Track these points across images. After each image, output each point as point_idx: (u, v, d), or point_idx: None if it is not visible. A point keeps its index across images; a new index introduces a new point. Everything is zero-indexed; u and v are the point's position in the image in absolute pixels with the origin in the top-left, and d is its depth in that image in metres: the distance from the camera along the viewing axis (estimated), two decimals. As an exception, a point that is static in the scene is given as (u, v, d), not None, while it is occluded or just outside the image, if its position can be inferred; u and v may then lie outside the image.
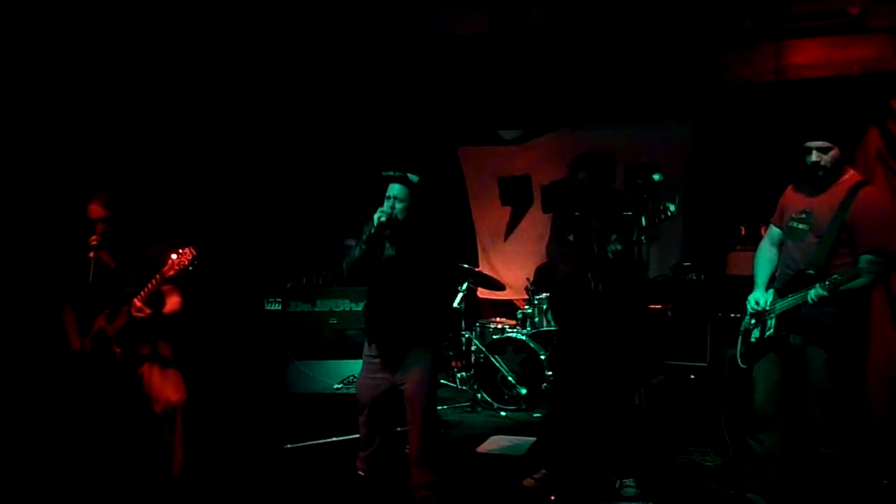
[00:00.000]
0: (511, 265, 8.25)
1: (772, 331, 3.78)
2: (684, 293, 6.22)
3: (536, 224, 8.16)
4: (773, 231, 4.03)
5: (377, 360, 4.21)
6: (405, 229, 4.13)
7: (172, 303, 4.37)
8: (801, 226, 3.77)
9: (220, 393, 6.37)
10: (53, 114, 5.33)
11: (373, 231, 4.02)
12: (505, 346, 6.77)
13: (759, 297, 3.87)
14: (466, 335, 7.08)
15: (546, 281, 7.02)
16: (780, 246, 3.95)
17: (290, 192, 7.64)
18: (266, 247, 7.35)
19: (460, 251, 8.15)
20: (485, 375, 6.77)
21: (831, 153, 3.64)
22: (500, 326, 7.04)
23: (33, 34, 5.09)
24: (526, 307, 7.12)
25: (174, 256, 3.99)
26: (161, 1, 5.41)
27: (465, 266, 6.96)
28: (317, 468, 5.06)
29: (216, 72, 6.12)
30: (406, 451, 4.34)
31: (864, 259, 3.42)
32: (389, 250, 4.18)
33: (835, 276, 3.45)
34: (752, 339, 3.90)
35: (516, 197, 8.38)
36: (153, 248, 4.21)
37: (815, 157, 3.66)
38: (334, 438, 5.54)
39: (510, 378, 6.56)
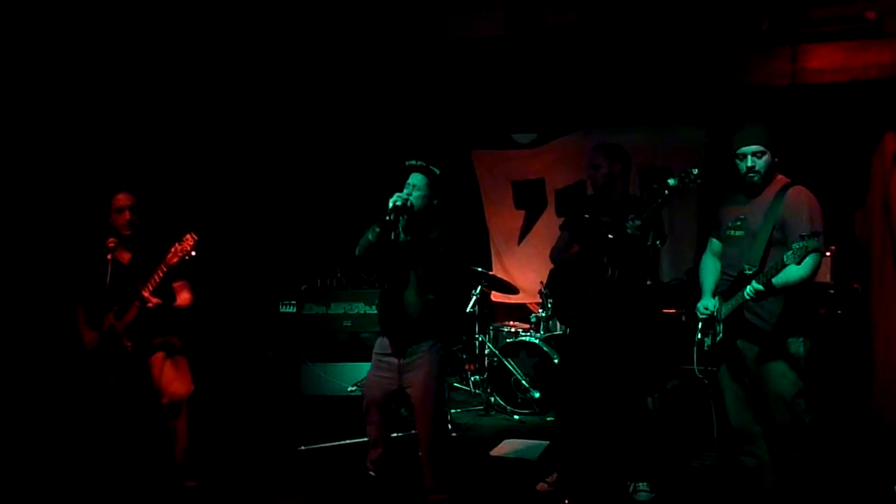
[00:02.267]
0: (525, 269, 8.24)
1: (721, 335, 3.80)
2: (699, 298, 6.19)
3: (550, 227, 8.15)
4: (714, 243, 4.09)
5: (386, 359, 4.21)
6: (420, 219, 4.15)
7: (183, 298, 4.47)
8: (737, 232, 3.83)
9: (235, 394, 6.41)
10: (70, 117, 5.38)
11: (388, 215, 4.00)
12: (518, 349, 6.76)
13: (708, 303, 3.90)
14: (480, 338, 7.08)
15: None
16: (721, 254, 3.99)
17: (306, 195, 7.67)
18: (281, 249, 7.38)
19: (474, 254, 8.16)
20: (498, 379, 6.78)
21: (765, 158, 3.71)
22: (513, 330, 7.04)
23: (47, 40, 5.13)
24: (539, 311, 7.12)
25: (176, 244, 4.07)
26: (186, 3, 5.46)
27: (479, 269, 6.97)
28: (330, 470, 5.08)
29: (235, 75, 6.16)
30: (419, 453, 4.34)
31: (793, 246, 3.42)
32: (404, 238, 4.14)
33: (768, 270, 3.51)
34: (705, 347, 3.91)
35: (530, 201, 8.39)
36: (161, 243, 4.26)
37: (749, 162, 3.71)
38: (348, 441, 5.55)
39: (523, 381, 6.56)
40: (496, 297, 8.12)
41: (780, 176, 3.81)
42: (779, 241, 3.64)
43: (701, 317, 3.93)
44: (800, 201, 3.66)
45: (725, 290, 3.82)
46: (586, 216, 4.68)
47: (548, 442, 5.56)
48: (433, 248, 4.13)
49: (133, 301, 4.23)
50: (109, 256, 4.26)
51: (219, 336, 6.18)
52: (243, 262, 6.84)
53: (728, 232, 3.89)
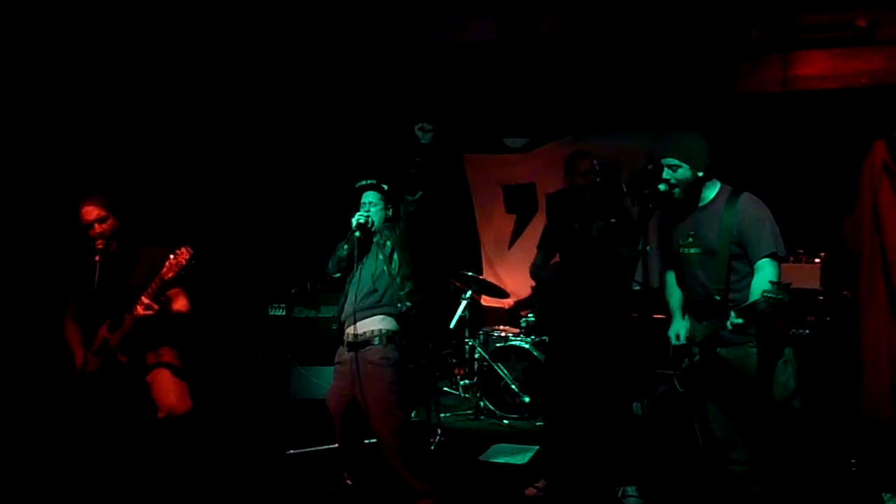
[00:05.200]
0: (515, 273, 8.23)
1: (698, 356, 3.77)
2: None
3: (541, 232, 8.16)
4: (666, 261, 4.03)
5: (341, 368, 4.38)
6: (381, 232, 4.47)
7: (180, 304, 4.34)
8: (691, 250, 3.74)
9: (224, 397, 6.37)
10: (55, 118, 5.34)
11: (354, 232, 4.38)
12: (508, 354, 6.75)
13: (679, 330, 3.84)
14: (470, 343, 7.07)
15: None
16: (679, 272, 3.92)
17: (295, 199, 7.65)
18: (271, 253, 7.36)
19: (464, 258, 8.15)
20: (488, 383, 6.76)
21: (681, 171, 3.64)
22: (503, 334, 7.02)
23: (36, 39, 5.10)
24: (529, 315, 7.12)
25: (171, 257, 3.95)
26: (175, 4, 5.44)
27: (470, 273, 6.97)
28: (318, 474, 5.05)
29: (221, 78, 6.14)
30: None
31: (763, 266, 3.41)
32: (369, 252, 4.46)
33: (747, 305, 3.40)
34: (683, 366, 3.87)
35: (521, 205, 8.38)
36: (153, 252, 4.16)
37: (665, 174, 3.68)
38: (336, 445, 5.52)
39: (513, 386, 6.55)
40: (486, 301, 8.11)
41: (720, 186, 3.72)
42: (738, 255, 3.58)
43: (674, 344, 3.86)
44: (757, 215, 3.57)
45: (696, 310, 3.77)
46: (559, 229, 4.77)
47: (537, 447, 5.56)
48: (391, 261, 4.41)
49: (126, 313, 4.08)
50: (98, 258, 4.15)
51: (208, 338, 6.14)
52: (233, 265, 6.81)
53: (682, 249, 3.79)
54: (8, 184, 5.16)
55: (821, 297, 5.66)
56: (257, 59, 6.12)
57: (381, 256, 4.41)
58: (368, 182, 4.56)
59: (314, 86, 6.51)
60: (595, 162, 4.89)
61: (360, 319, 4.31)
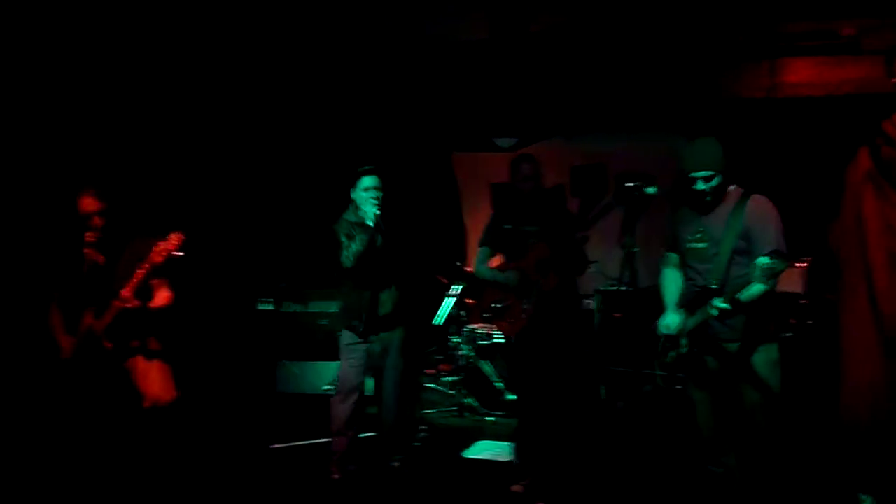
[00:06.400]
0: (501, 271, 8.26)
1: (685, 349, 3.84)
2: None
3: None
4: (671, 257, 4.11)
5: (361, 349, 4.69)
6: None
7: (162, 296, 4.35)
8: (699, 244, 3.85)
9: (211, 391, 6.36)
10: (43, 109, 5.31)
11: (376, 224, 4.49)
12: (493, 351, 6.79)
13: (670, 321, 3.92)
14: (455, 340, 7.10)
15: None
16: (682, 269, 4.01)
17: (285, 193, 7.65)
18: (260, 247, 7.36)
19: (452, 257, 8.18)
20: (472, 380, 6.79)
21: (715, 179, 3.74)
22: (488, 332, 7.06)
23: (14, 26, 5.07)
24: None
25: (161, 243, 4.00)
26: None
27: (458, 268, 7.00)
28: (302, 469, 5.07)
29: (209, 69, 6.12)
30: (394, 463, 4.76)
31: (759, 262, 3.45)
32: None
33: (732, 286, 3.56)
34: (668, 360, 3.95)
35: (508, 204, 8.41)
36: (141, 242, 4.17)
37: (700, 185, 3.76)
38: (322, 440, 5.55)
39: (498, 384, 6.58)
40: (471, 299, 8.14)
41: (733, 186, 3.84)
42: (743, 250, 3.68)
43: (661, 335, 3.95)
44: (766, 214, 3.70)
45: (689, 302, 3.85)
46: (508, 227, 4.86)
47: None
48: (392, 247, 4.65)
49: (112, 300, 4.12)
50: (87, 251, 4.17)
51: (196, 332, 6.14)
52: (222, 259, 6.81)
53: (689, 244, 3.89)
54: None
55: (803, 301, 5.74)
56: (245, 53, 6.10)
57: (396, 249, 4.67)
58: (371, 167, 4.69)
59: (304, 83, 6.51)
60: (537, 167, 5.00)
61: (388, 307, 4.68)
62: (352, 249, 4.57)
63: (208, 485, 4.70)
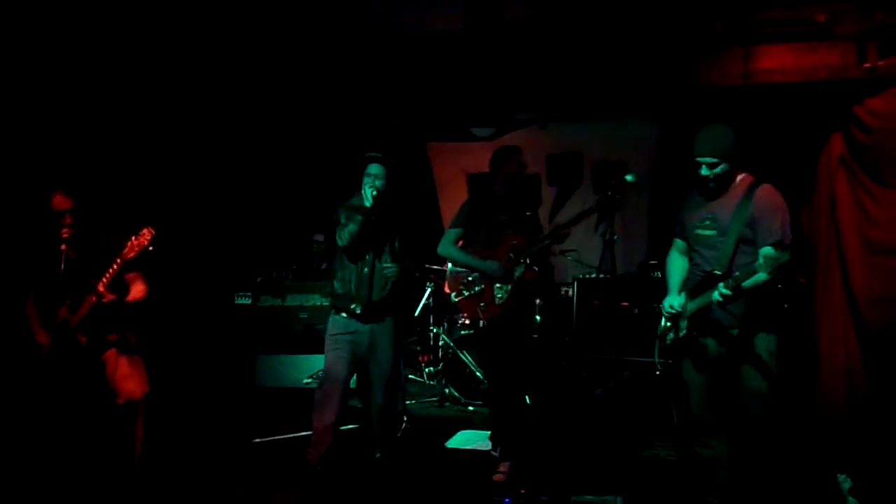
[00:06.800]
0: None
1: (684, 331, 3.88)
2: (651, 291, 6.34)
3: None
4: (678, 243, 4.14)
5: (349, 338, 4.73)
6: (385, 202, 4.74)
7: (137, 290, 4.34)
8: (707, 231, 3.87)
9: (189, 386, 6.33)
10: (20, 107, 5.24)
11: (372, 204, 4.63)
12: (472, 341, 6.81)
13: (673, 301, 3.95)
14: (434, 330, 7.11)
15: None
16: (688, 254, 4.04)
17: (262, 187, 7.61)
18: (237, 241, 7.32)
19: (428, 247, 8.18)
20: (453, 370, 6.81)
21: (720, 167, 3.75)
22: (467, 322, 7.07)
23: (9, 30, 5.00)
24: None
25: (133, 238, 4.02)
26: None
27: (434, 265, 7.00)
28: (284, 462, 5.06)
29: (187, 63, 6.06)
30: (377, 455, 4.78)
31: (764, 252, 3.48)
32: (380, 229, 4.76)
33: (736, 273, 3.58)
34: (668, 342, 3.99)
35: (484, 193, 8.42)
36: (115, 237, 4.16)
37: (704, 171, 3.78)
38: (303, 433, 5.54)
39: (478, 373, 6.60)
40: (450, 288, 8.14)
41: (744, 174, 3.85)
42: (749, 239, 3.69)
43: (666, 314, 3.99)
44: (773, 204, 3.71)
45: (693, 287, 3.87)
46: (482, 215, 4.90)
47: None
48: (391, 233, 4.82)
49: (87, 295, 4.13)
50: (63, 247, 4.15)
51: (173, 326, 6.10)
52: (199, 254, 6.77)
53: (697, 231, 3.91)
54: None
55: (779, 286, 5.80)
56: (220, 45, 6.04)
57: (396, 236, 4.86)
58: (377, 154, 4.80)
59: (277, 76, 6.46)
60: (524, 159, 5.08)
61: (384, 292, 4.75)
62: (347, 228, 4.68)
63: (192, 480, 4.68)
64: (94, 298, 4.11)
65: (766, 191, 3.75)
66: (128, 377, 4.28)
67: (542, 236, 4.88)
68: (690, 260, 4.01)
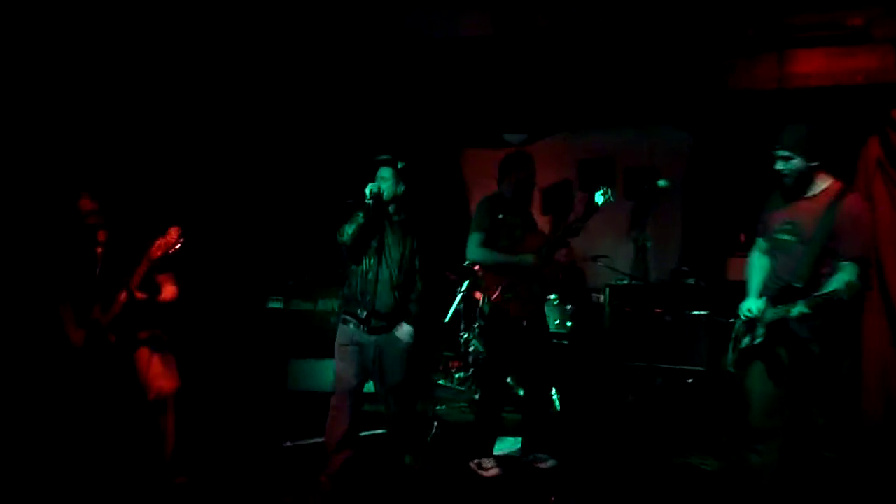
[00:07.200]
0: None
1: (761, 339, 3.80)
2: (683, 298, 6.29)
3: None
4: (760, 243, 4.07)
5: (357, 349, 4.65)
6: (391, 204, 4.72)
7: (168, 291, 4.43)
8: (786, 237, 3.80)
9: (222, 389, 6.39)
10: (51, 110, 5.33)
11: (368, 200, 4.54)
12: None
13: (752, 305, 3.88)
14: (465, 336, 7.10)
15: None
16: (769, 255, 3.97)
17: (294, 192, 7.66)
18: (269, 245, 7.37)
19: (459, 252, 8.19)
20: (483, 376, 6.77)
21: (794, 162, 3.69)
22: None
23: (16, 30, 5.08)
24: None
25: (160, 238, 4.09)
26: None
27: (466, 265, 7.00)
28: (315, 466, 5.07)
29: (225, 71, 6.14)
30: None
31: (846, 268, 3.44)
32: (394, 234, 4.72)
33: (817, 296, 3.49)
34: (742, 346, 3.92)
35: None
36: (144, 238, 4.24)
37: (779, 165, 3.73)
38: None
39: (508, 379, 6.57)
40: (480, 295, 8.14)
41: (831, 179, 3.76)
42: (830, 251, 3.62)
43: (743, 317, 3.92)
44: (859, 216, 3.65)
45: (773, 295, 3.79)
46: (500, 217, 5.06)
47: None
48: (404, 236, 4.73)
49: (118, 294, 4.21)
50: (99, 250, 4.24)
51: (206, 331, 6.16)
52: (231, 257, 6.83)
53: (777, 235, 3.85)
54: (11, 176, 5.16)
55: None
56: (255, 53, 6.11)
57: (408, 246, 4.73)
58: (385, 157, 4.79)
59: (312, 79, 6.51)
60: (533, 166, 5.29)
61: (388, 300, 4.61)
62: (345, 225, 4.63)
63: (221, 482, 4.71)
64: (124, 297, 4.20)
65: (852, 200, 3.67)
66: (159, 375, 4.38)
67: (557, 230, 4.94)
68: (770, 264, 3.93)
